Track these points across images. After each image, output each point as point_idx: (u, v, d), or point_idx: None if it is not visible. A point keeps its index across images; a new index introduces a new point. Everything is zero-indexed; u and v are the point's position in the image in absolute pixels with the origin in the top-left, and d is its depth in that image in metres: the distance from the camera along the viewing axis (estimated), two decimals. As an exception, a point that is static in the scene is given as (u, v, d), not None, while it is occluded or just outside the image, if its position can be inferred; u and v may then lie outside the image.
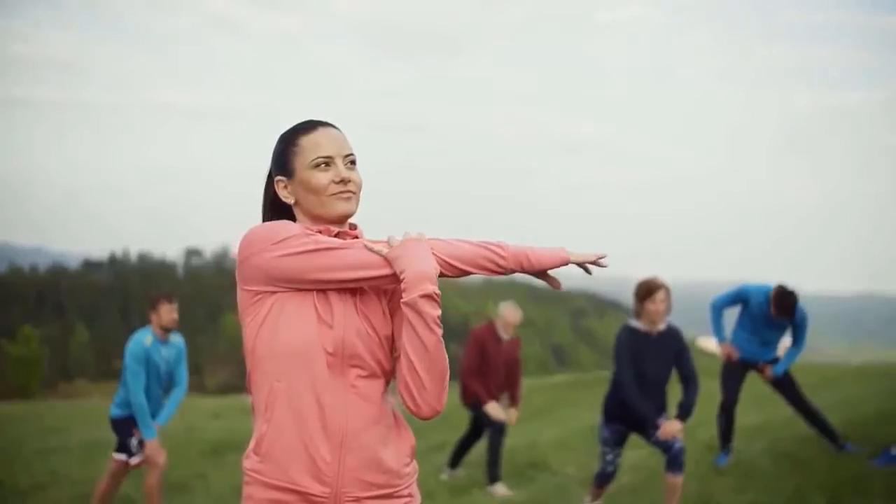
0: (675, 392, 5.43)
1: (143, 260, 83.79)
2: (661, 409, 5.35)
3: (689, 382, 5.37)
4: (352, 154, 2.15)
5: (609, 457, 5.55)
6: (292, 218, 2.18)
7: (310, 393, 2.03)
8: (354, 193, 2.14)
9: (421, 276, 2.00)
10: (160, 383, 6.19)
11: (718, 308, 6.97)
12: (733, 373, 6.98)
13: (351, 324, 2.06)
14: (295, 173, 2.13)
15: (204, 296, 71.07)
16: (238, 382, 43.31)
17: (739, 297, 6.94)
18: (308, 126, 2.16)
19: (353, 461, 2.05)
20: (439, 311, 2.01)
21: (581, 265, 2.19)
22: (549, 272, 2.18)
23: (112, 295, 73.61)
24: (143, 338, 6.06)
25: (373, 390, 2.09)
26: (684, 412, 5.31)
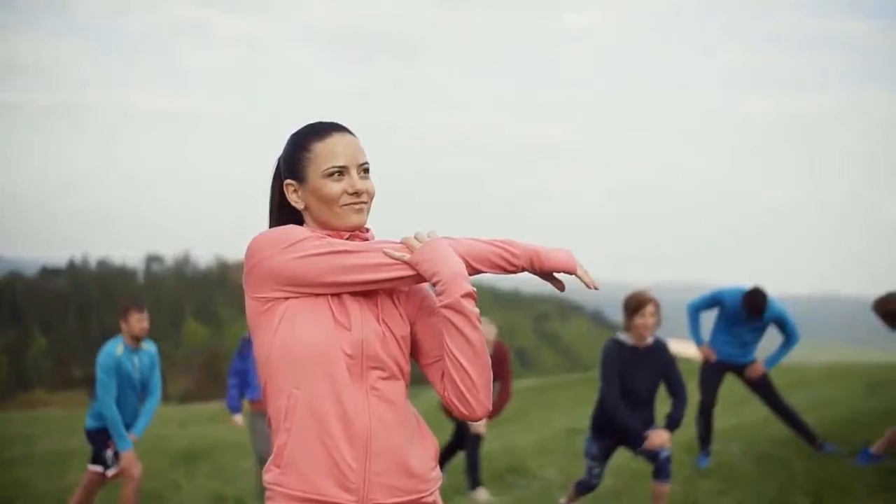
0: (662, 404, 5.41)
1: (103, 266, 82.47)
2: (648, 422, 5.32)
3: (678, 395, 5.35)
4: (366, 162, 2.10)
5: (596, 470, 5.52)
6: (301, 222, 2.12)
7: (330, 398, 1.97)
8: (367, 204, 2.09)
9: (457, 276, 1.96)
10: (135, 393, 6.06)
11: (694, 312, 6.99)
12: (711, 375, 7.01)
13: (369, 325, 2.01)
14: (307, 180, 2.07)
15: (165, 303, 70.13)
16: (201, 390, 42.85)
17: (715, 300, 6.97)
18: (322, 130, 2.10)
19: (378, 466, 1.99)
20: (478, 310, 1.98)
21: (579, 277, 2.15)
22: (555, 275, 2.14)
23: (70, 302, 72.47)
24: (114, 348, 5.93)
25: (394, 392, 2.03)
26: (672, 423, 5.29)
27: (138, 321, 5.97)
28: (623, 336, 5.35)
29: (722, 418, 8.21)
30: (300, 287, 1.97)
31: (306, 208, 2.10)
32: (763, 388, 7.04)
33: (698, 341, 7.04)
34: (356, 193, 2.05)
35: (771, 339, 7.09)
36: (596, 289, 2.15)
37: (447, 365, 2.00)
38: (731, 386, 7.56)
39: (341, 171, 2.05)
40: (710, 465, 6.85)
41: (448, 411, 7.29)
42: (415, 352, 2.11)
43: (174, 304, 72.17)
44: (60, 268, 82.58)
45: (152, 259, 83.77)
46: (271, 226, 2.16)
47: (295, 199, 2.10)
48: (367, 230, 2.14)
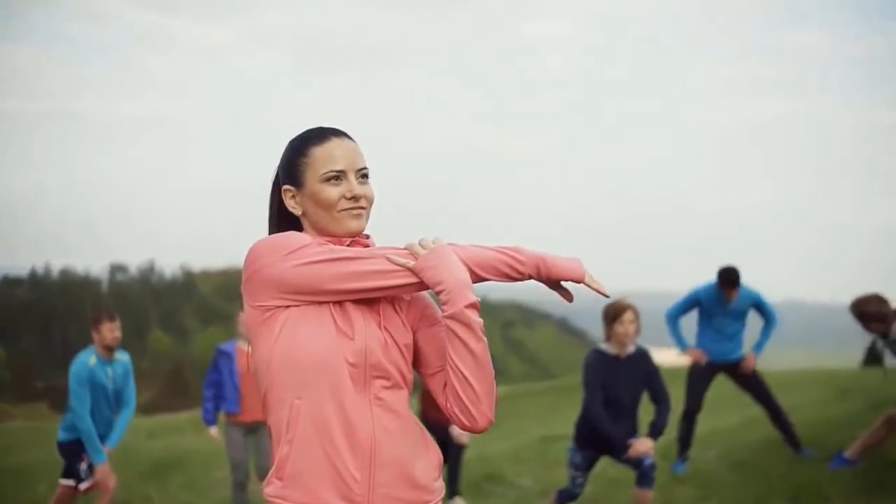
0: (644, 413, 5.41)
1: (66, 276, 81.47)
2: (632, 431, 5.31)
3: (661, 403, 5.35)
4: (365, 168, 2.06)
5: (579, 480, 5.50)
6: (300, 229, 2.09)
7: (333, 408, 1.92)
8: (365, 209, 2.05)
9: (461, 286, 1.92)
10: (108, 404, 5.95)
11: (674, 317, 7.01)
12: (700, 378, 7.03)
13: (372, 334, 1.97)
14: (305, 185, 2.04)
15: (130, 312, 69.34)
16: (167, 401, 42.40)
17: (691, 301, 7.02)
18: (321, 135, 2.06)
19: (383, 477, 1.95)
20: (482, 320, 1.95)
21: (587, 285, 2.10)
22: (563, 284, 2.10)
23: (32, 312, 71.46)
24: (87, 359, 5.82)
25: (398, 402, 2.00)
26: (656, 431, 5.29)
27: (110, 331, 5.87)
28: (604, 346, 5.34)
29: (697, 424, 8.25)
30: (302, 295, 1.93)
31: (304, 214, 2.06)
32: (756, 385, 7.07)
33: (683, 346, 7.06)
34: (354, 198, 2.01)
35: (752, 336, 7.14)
36: (607, 296, 2.10)
37: (450, 375, 1.96)
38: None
39: (339, 176, 2.01)
40: (687, 471, 6.87)
41: (430, 420, 7.28)
42: (416, 361, 2.07)
43: (139, 314, 71.47)
44: (22, 277, 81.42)
45: (116, 268, 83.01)
46: (271, 233, 2.12)
47: (293, 204, 2.07)
48: (367, 237, 2.10)
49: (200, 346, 70.61)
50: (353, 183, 2.02)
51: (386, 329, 2.00)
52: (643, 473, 5.24)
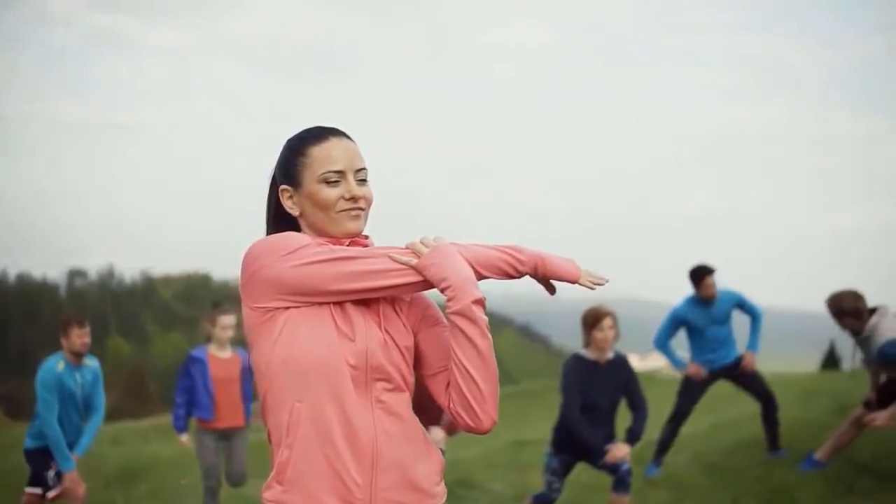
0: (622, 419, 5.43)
1: (23, 281, 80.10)
2: (609, 437, 5.33)
3: (639, 409, 5.38)
4: (364, 168, 2.03)
5: (556, 485, 5.51)
6: (298, 229, 2.06)
7: (334, 411, 1.89)
8: (363, 210, 2.02)
9: (467, 282, 1.91)
10: (77, 411, 5.86)
11: (663, 343, 7.06)
12: (695, 386, 7.04)
13: (373, 335, 1.95)
14: (302, 185, 2.01)
15: (88, 318, 67.85)
16: (127, 408, 41.85)
17: (674, 322, 7.02)
18: (319, 134, 2.03)
19: (384, 481, 1.92)
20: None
21: (583, 286, 2.09)
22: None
23: (-12, 318, 70.17)
24: (55, 364, 5.73)
25: (399, 405, 1.97)
26: (633, 437, 5.32)
27: (79, 336, 5.79)
28: (583, 352, 5.36)
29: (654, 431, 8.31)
30: (302, 296, 1.90)
31: (302, 214, 2.03)
32: (757, 383, 7.08)
33: (682, 365, 7.09)
34: (353, 199, 1.99)
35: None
36: (606, 280, 2.09)
37: (454, 374, 1.94)
38: (672, 397, 7.63)
39: (338, 177, 1.99)
40: (660, 475, 6.90)
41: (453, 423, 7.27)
42: (417, 363, 2.05)
43: (98, 320, 70.28)
44: (-23, 283, 79.94)
45: (75, 273, 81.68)
46: (268, 234, 2.08)
47: (290, 205, 2.04)
48: (367, 237, 2.08)
49: (161, 353, 69.81)
50: (351, 184, 1.99)
51: (387, 331, 1.97)
52: (620, 479, 5.26)
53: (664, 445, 7.07)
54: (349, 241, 2.01)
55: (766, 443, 7.06)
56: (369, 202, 2.03)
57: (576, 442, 5.28)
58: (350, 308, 1.94)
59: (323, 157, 1.99)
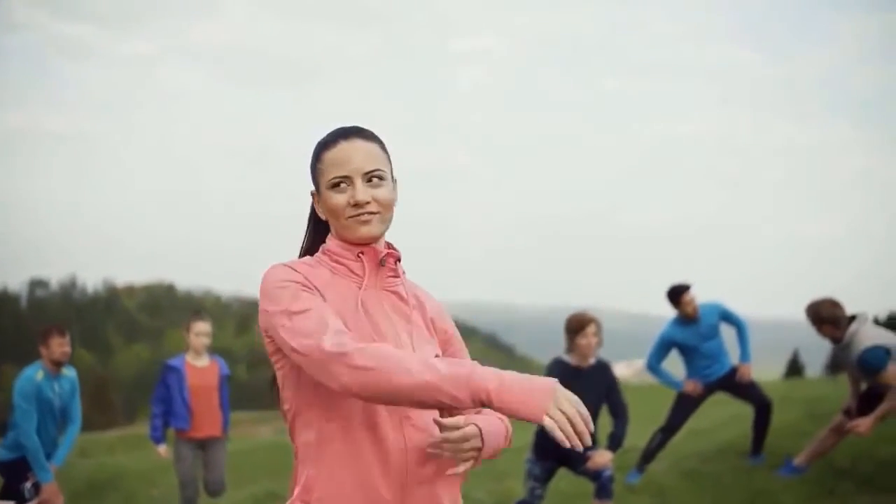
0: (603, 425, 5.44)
1: (-18, 292, 78.85)
2: (591, 443, 5.33)
3: (620, 416, 5.39)
4: (376, 170, 1.93)
5: (538, 491, 5.51)
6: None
7: (364, 428, 1.85)
8: (375, 214, 1.93)
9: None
10: (54, 421, 5.78)
11: (656, 366, 7.08)
12: (690, 401, 7.06)
13: (407, 347, 1.92)
14: (320, 191, 1.98)
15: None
16: (92, 419, 41.28)
17: (665, 345, 7.02)
18: (332, 138, 1.97)
19: (414, 500, 1.88)
20: None
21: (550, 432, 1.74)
22: None
23: (-53, 329, 68.95)
24: (34, 374, 5.64)
25: (428, 422, 1.92)
26: (615, 443, 5.33)
27: (60, 345, 5.72)
28: (566, 356, 5.37)
29: (644, 436, 8.35)
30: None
31: (328, 219, 2.00)
32: (754, 392, 7.08)
33: (678, 385, 7.10)
34: (357, 204, 1.92)
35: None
36: (580, 447, 1.77)
37: None
38: (649, 404, 7.67)
39: (344, 182, 1.93)
40: (641, 481, 6.92)
41: None
42: None
43: (59, 331, 69.48)
44: (-64, 293, 78.53)
45: (36, 284, 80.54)
46: (306, 237, 2.09)
47: (319, 210, 2.01)
48: (391, 248, 2.03)
49: (124, 363, 68.98)
50: (357, 188, 1.91)
51: (417, 347, 1.94)
52: (602, 486, 5.26)
53: (650, 454, 7.08)
54: (360, 250, 1.97)
55: (751, 446, 7.10)
56: (383, 204, 1.94)
57: (558, 447, 5.27)
58: (380, 321, 1.92)
59: (331, 162, 1.94)
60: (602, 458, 5.21)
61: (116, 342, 71.90)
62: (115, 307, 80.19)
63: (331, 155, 1.96)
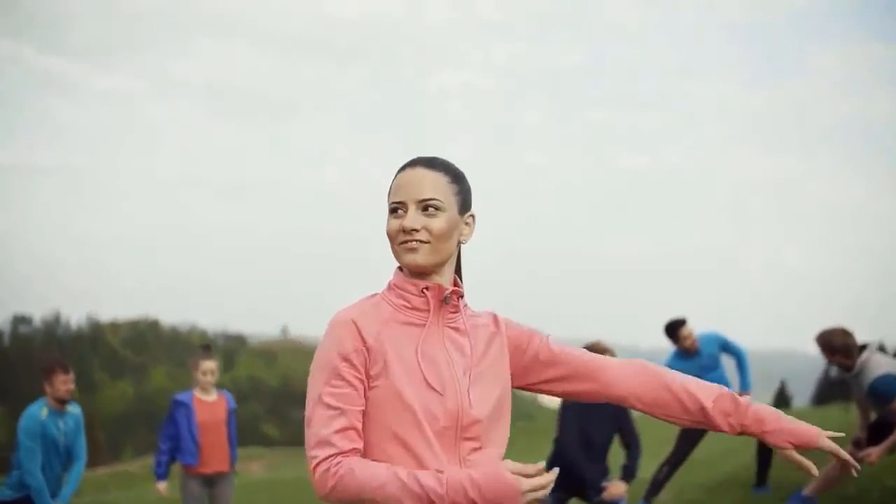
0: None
1: (-36, 329, 78.10)
2: (604, 473, 5.34)
3: (632, 446, 5.41)
4: (432, 199, 1.90)
5: None
6: None
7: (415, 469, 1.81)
8: (424, 243, 1.89)
9: None
10: (59, 459, 5.71)
11: None
12: (694, 433, 7.06)
13: (464, 390, 1.88)
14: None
15: (33, 366, 66.87)
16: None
17: None
18: (403, 166, 1.98)
19: None
20: None
21: None
22: None
23: (-71, 367, 68.17)
24: (38, 411, 5.59)
25: (490, 462, 1.86)
26: (629, 474, 5.34)
27: (64, 382, 5.66)
28: None
29: (646, 468, 8.33)
30: None
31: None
32: None
33: None
34: (404, 231, 1.89)
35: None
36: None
37: None
38: (651, 435, 7.66)
39: (399, 208, 1.92)
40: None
41: None
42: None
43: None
44: (-83, 331, 77.74)
45: (19, 320, 79.85)
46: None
47: None
48: (458, 285, 2.00)
49: (109, 400, 68.32)
50: (409, 215, 1.90)
51: (479, 384, 1.91)
52: None
53: (658, 486, 7.07)
54: (423, 286, 1.93)
55: (756, 477, 7.11)
56: (434, 234, 1.89)
57: (571, 478, 5.26)
58: (441, 363, 1.89)
59: (394, 188, 1.95)
60: (617, 488, 5.21)
61: (101, 378, 71.25)
62: (100, 343, 79.58)
63: (395, 181, 1.95)
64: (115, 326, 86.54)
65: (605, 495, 5.20)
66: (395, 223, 1.91)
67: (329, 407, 1.82)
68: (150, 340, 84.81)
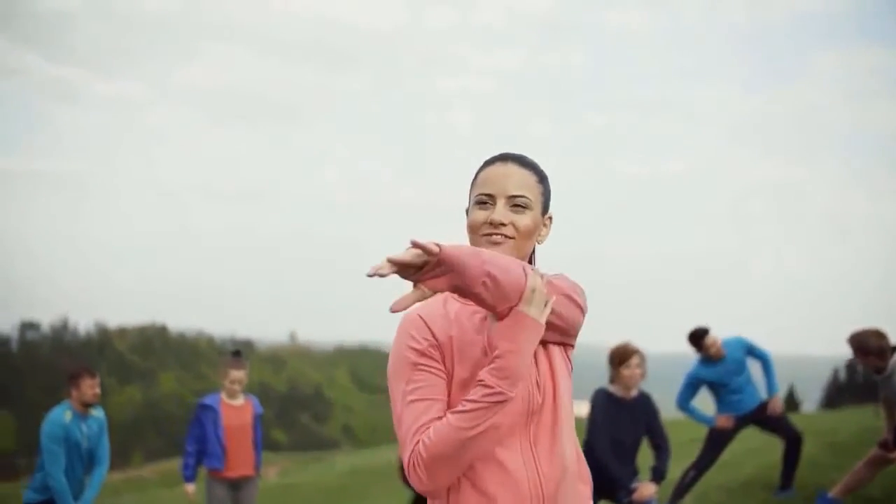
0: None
1: (-28, 335, 78.17)
2: (634, 474, 5.34)
3: (662, 448, 5.41)
4: (521, 196, 1.93)
5: None
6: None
7: (493, 459, 1.83)
8: (509, 238, 1.92)
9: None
10: (82, 462, 5.74)
11: (686, 405, 7.09)
12: (723, 436, 7.05)
13: (532, 379, 1.89)
14: (469, 209, 2.00)
15: (41, 372, 66.99)
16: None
17: (693, 385, 7.06)
18: (491, 160, 2.01)
19: None
20: None
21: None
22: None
23: (-63, 373, 68.32)
24: (62, 415, 5.62)
25: (561, 452, 1.90)
26: (658, 475, 5.34)
27: (91, 387, 5.71)
28: (610, 387, 5.37)
29: (672, 469, 8.31)
30: None
31: (468, 235, 2.00)
32: (785, 425, 7.09)
33: (710, 421, 7.11)
34: (493, 224, 1.91)
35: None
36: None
37: None
38: (676, 436, 7.64)
39: (487, 200, 1.93)
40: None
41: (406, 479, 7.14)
42: None
43: (51, 374, 68.94)
44: (-74, 337, 77.89)
45: (27, 326, 79.89)
46: None
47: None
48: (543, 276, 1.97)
49: (116, 407, 68.32)
50: (498, 208, 1.92)
51: (548, 366, 1.93)
52: None
53: (683, 489, 7.05)
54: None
55: (781, 480, 7.08)
56: (520, 230, 1.92)
57: (601, 478, 5.25)
58: None
59: (482, 180, 1.97)
60: (647, 489, 5.21)
61: (109, 384, 71.31)
62: (108, 349, 79.60)
63: (483, 174, 1.98)
64: (122, 332, 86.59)
65: (636, 496, 5.19)
66: (483, 215, 1.93)
67: (414, 402, 1.82)
68: (158, 346, 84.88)
